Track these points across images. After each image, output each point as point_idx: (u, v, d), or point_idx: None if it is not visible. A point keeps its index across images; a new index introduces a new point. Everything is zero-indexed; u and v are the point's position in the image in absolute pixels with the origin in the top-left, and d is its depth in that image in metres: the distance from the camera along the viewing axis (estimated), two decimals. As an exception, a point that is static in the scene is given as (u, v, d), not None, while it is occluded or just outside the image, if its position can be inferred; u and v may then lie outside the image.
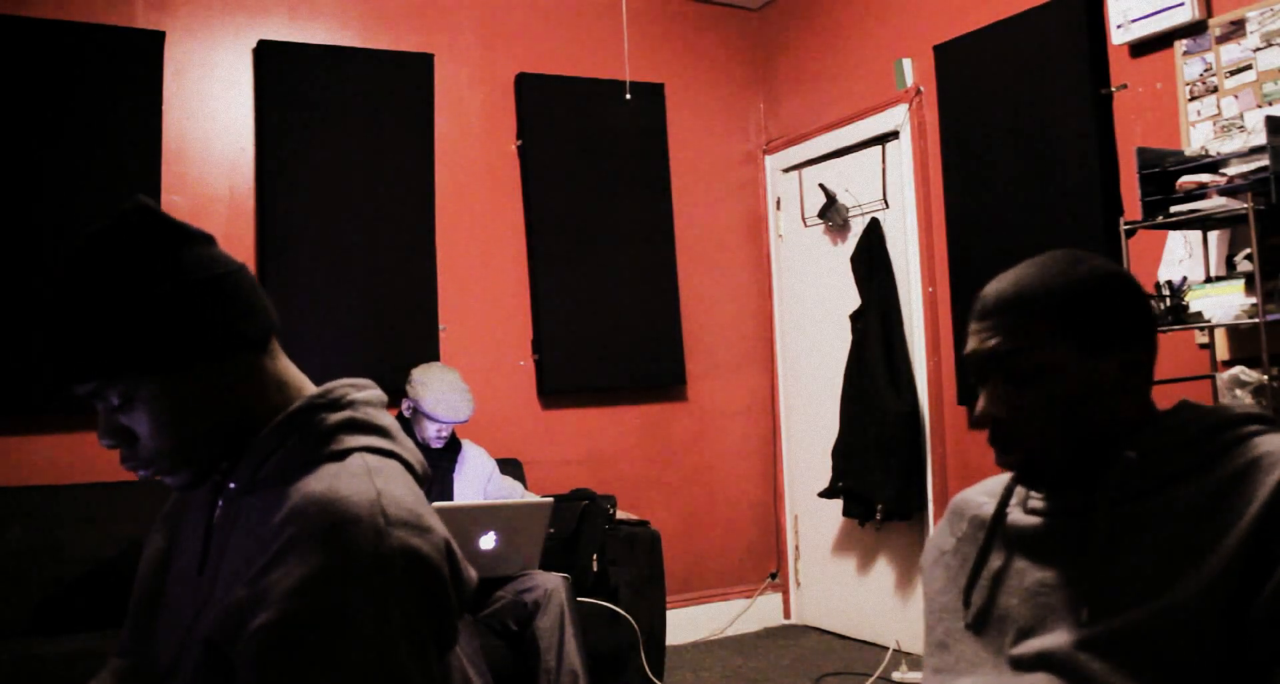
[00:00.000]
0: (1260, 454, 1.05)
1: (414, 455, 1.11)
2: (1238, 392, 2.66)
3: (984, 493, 1.29)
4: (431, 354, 3.96)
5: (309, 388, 1.13)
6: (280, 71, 3.85)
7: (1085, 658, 1.05)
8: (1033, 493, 1.20)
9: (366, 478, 1.00)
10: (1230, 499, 1.03)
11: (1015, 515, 1.21)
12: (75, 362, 1.02)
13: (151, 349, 1.02)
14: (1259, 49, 2.91)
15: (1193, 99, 3.08)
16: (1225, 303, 2.69)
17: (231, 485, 1.08)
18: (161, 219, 1.07)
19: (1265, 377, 2.61)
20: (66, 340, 1.02)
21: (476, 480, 3.50)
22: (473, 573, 1.06)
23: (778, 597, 4.79)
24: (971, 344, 1.17)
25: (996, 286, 1.17)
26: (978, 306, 1.18)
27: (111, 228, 1.05)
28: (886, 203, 4.26)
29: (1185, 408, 1.15)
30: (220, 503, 1.09)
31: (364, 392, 1.12)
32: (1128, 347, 1.13)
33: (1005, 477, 1.26)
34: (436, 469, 3.41)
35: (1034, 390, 1.12)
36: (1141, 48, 3.22)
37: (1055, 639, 1.09)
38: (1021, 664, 1.11)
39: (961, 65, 3.79)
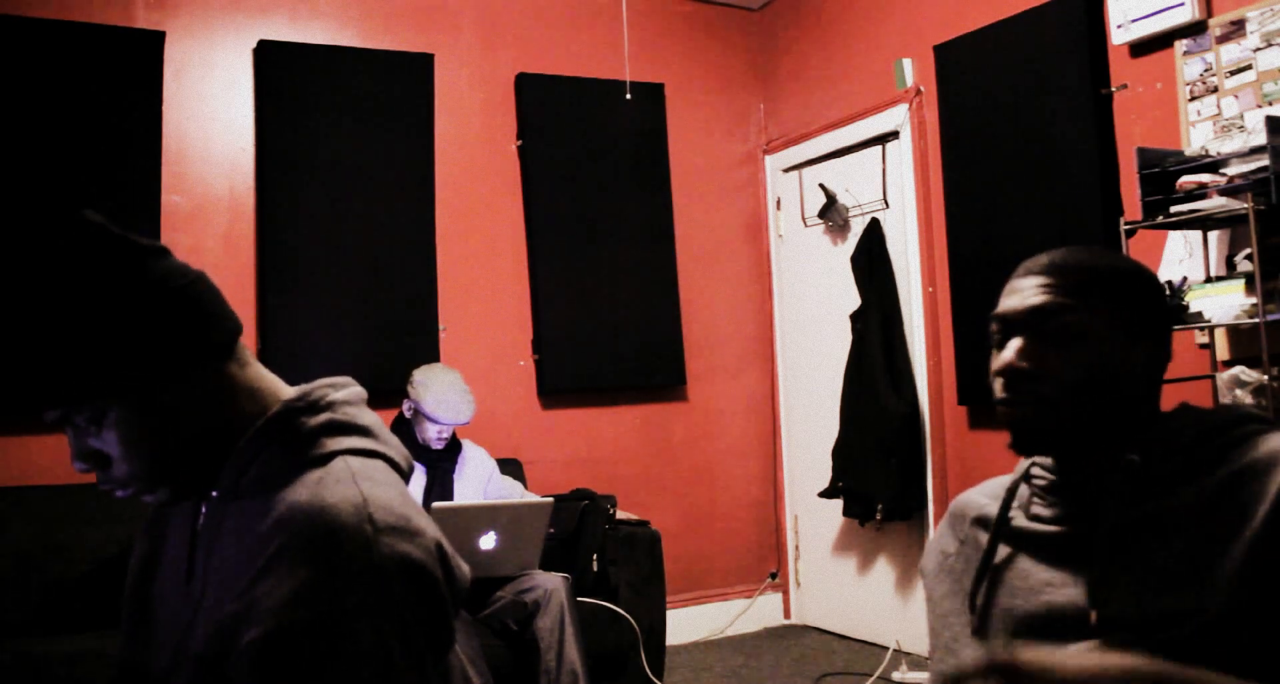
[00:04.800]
0: (1263, 453, 1.05)
1: (398, 451, 1.09)
2: (1238, 391, 2.66)
3: (985, 495, 1.28)
4: (431, 354, 3.96)
5: (284, 391, 1.10)
6: (280, 71, 3.85)
7: None
8: (1035, 498, 1.19)
9: (351, 483, 0.99)
10: (1237, 498, 1.03)
11: (1018, 519, 1.20)
12: (38, 390, 0.97)
13: (117, 372, 0.98)
14: (1259, 49, 2.91)
15: (1193, 99, 3.08)
16: (1225, 303, 2.68)
17: (214, 494, 1.06)
18: (113, 234, 1.01)
19: (1265, 376, 2.61)
20: (26, 368, 0.97)
21: (477, 481, 3.50)
22: (466, 570, 1.05)
23: (778, 597, 4.79)
24: (1011, 302, 1.16)
25: (1047, 254, 1.17)
26: (1024, 268, 1.17)
27: (63, 246, 0.99)
28: (886, 203, 4.26)
29: (1186, 410, 1.15)
30: (204, 509, 1.08)
31: (343, 390, 1.10)
32: (1157, 341, 1.15)
33: (1006, 478, 1.25)
34: (437, 470, 3.41)
35: (1065, 352, 1.11)
36: (1141, 48, 3.22)
37: (1072, 646, 1.08)
38: None
39: (961, 65, 3.79)
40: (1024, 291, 1.15)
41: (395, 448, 1.09)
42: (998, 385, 1.15)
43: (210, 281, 1.07)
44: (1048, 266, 1.15)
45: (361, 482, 0.99)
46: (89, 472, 1.04)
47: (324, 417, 1.06)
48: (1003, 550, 1.20)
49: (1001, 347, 1.16)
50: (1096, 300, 1.12)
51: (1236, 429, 1.09)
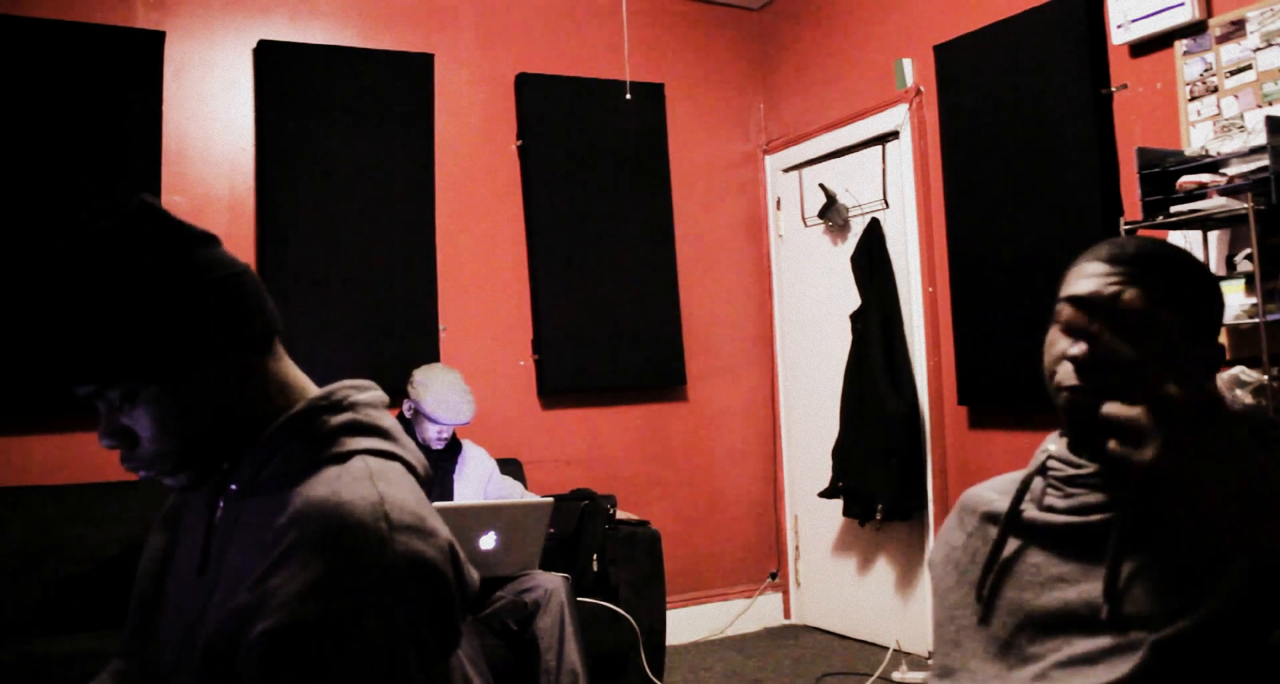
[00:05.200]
0: None
1: (415, 456, 1.11)
2: (1238, 391, 2.65)
3: (994, 490, 1.28)
4: (431, 354, 3.96)
5: (311, 389, 1.12)
6: (280, 71, 3.85)
7: (1117, 659, 1.04)
8: (1050, 489, 1.19)
9: (369, 482, 1.00)
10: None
11: (1030, 512, 1.20)
12: (80, 364, 1.01)
13: (159, 353, 1.01)
14: (1259, 49, 2.91)
15: (1193, 99, 3.08)
16: (1225, 303, 2.68)
17: (233, 487, 1.07)
18: (167, 219, 1.06)
19: (1265, 377, 2.61)
20: (71, 342, 1.00)
21: (477, 481, 3.50)
22: (475, 574, 1.06)
23: (778, 597, 4.79)
24: (1091, 285, 1.13)
25: (1134, 241, 1.16)
26: (1101, 253, 1.15)
27: (117, 227, 1.03)
28: (886, 203, 4.26)
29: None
30: (221, 504, 1.09)
31: (365, 393, 1.12)
32: (1211, 342, 1.15)
33: (1017, 474, 1.25)
34: (437, 470, 3.41)
35: (1138, 342, 1.10)
36: (1141, 48, 3.22)
37: (1082, 641, 1.08)
38: (1044, 662, 1.11)
39: (961, 65, 3.79)
40: (1101, 277, 1.13)
41: (412, 452, 1.11)
42: (1066, 371, 1.13)
43: (255, 276, 1.10)
44: (1132, 255, 1.13)
45: (379, 481, 1.00)
46: (115, 448, 1.06)
47: (346, 416, 1.07)
48: (1012, 543, 1.20)
49: (1069, 329, 1.15)
50: (1172, 295, 1.11)
51: (1259, 435, 1.10)
